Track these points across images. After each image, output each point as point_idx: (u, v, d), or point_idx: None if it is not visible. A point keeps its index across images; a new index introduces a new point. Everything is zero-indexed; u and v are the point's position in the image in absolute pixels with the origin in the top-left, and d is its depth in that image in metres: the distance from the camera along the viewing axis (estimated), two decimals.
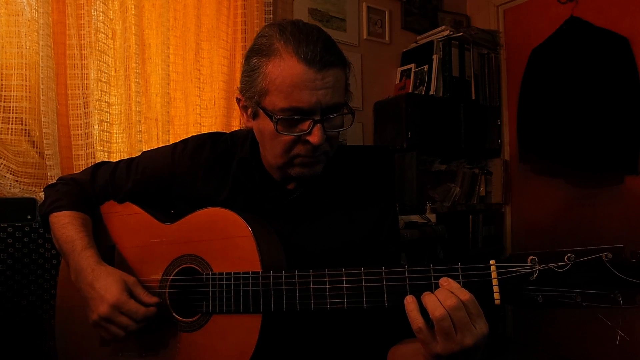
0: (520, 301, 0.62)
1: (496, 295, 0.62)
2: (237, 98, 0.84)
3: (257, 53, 0.78)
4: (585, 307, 0.59)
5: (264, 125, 0.79)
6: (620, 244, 0.58)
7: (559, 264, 0.60)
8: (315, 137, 0.75)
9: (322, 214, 0.88)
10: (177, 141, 0.98)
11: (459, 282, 0.63)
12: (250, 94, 0.78)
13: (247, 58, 0.80)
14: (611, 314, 0.61)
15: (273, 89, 0.75)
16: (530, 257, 0.61)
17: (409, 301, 0.64)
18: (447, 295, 0.62)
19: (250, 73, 0.78)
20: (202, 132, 1.02)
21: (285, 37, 0.74)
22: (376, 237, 0.88)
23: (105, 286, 0.80)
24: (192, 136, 0.99)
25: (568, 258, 0.59)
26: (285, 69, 0.73)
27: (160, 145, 1.67)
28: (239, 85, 0.82)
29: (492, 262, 0.63)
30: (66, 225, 0.90)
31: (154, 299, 0.81)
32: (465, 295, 0.62)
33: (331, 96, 0.75)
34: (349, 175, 0.91)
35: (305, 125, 0.76)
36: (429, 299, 0.63)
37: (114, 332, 0.79)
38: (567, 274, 0.59)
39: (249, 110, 0.82)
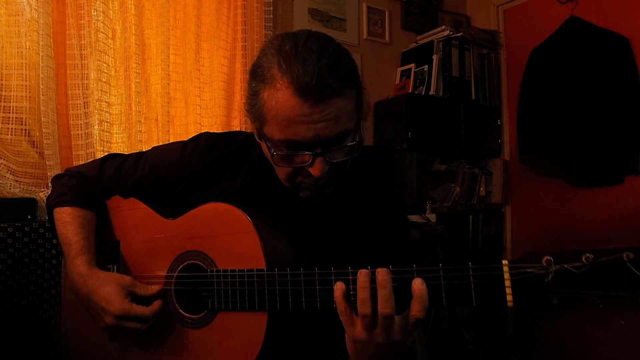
0: (534, 303, 0.59)
1: (509, 298, 0.59)
2: (246, 115, 0.81)
3: (255, 77, 0.73)
4: (603, 309, 0.56)
5: (267, 150, 0.76)
6: None
7: (576, 264, 0.56)
8: (316, 171, 0.71)
9: (334, 222, 0.85)
10: (189, 138, 0.95)
11: (469, 283, 0.61)
12: (253, 117, 0.75)
13: (250, 78, 0.76)
14: (628, 316, 0.58)
15: (270, 119, 0.71)
16: (546, 257, 0.58)
17: (337, 287, 0.65)
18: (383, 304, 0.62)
19: (251, 96, 0.74)
20: (217, 132, 0.98)
21: (280, 61, 0.68)
22: (387, 245, 0.86)
23: (104, 297, 0.80)
24: (206, 134, 0.95)
25: (586, 259, 0.56)
26: (280, 101, 0.68)
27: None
28: (244, 101, 0.79)
29: (504, 262, 0.60)
30: (66, 224, 0.90)
31: (154, 289, 0.82)
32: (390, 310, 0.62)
33: (332, 128, 0.69)
34: (361, 180, 0.88)
35: (307, 157, 0.71)
36: (361, 292, 0.64)
37: (125, 335, 0.82)
38: (584, 275, 0.56)
39: (256, 131, 0.78)
